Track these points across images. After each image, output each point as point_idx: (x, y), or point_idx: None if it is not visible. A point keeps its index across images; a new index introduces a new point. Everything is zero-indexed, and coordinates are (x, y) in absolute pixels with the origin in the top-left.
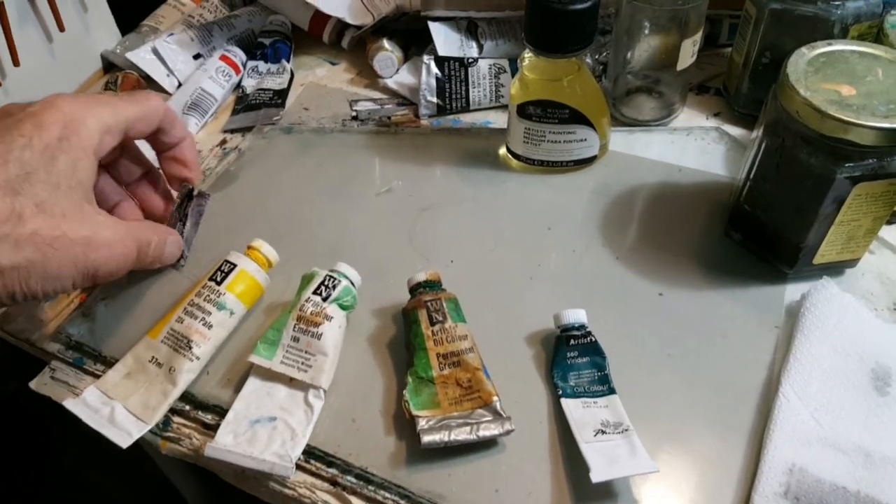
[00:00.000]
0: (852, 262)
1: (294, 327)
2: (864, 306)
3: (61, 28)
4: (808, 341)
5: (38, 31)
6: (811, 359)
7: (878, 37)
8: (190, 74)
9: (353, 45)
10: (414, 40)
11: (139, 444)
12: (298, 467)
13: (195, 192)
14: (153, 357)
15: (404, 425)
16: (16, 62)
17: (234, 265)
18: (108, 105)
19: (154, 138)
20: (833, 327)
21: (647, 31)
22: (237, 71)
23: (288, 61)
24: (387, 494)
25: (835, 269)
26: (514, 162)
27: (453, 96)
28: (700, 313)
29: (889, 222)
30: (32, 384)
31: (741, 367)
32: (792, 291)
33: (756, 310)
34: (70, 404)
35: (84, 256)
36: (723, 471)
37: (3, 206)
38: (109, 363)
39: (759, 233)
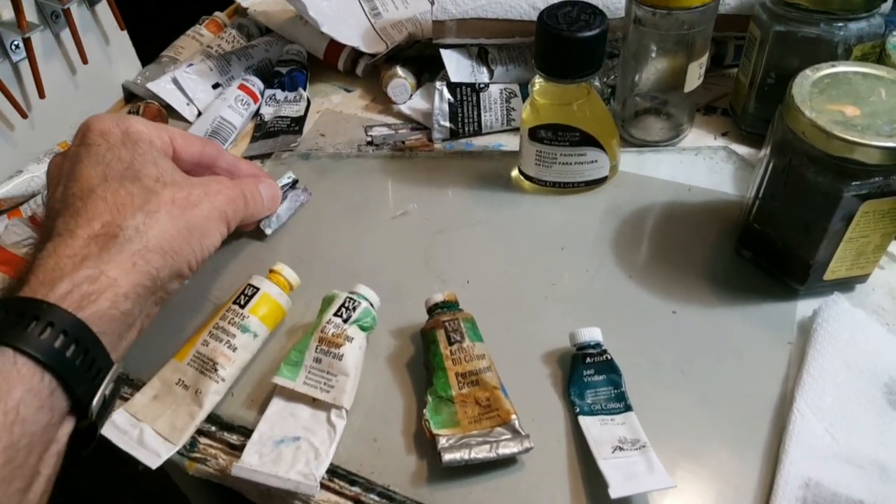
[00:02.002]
0: (862, 278)
1: (316, 349)
2: (875, 321)
3: (85, 60)
4: (820, 357)
5: (63, 63)
6: (824, 374)
7: (880, 57)
8: (209, 103)
9: (368, 73)
10: (426, 67)
11: (161, 468)
12: (323, 486)
13: (298, 184)
14: (180, 379)
15: (425, 444)
16: (41, 94)
17: (257, 289)
18: (143, 119)
19: (207, 168)
20: (846, 343)
21: (654, 55)
22: (255, 99)
23: (304, 89)
24: None
25: (845, 284)
26: (527, 183)
27: (465, 120)
28: (713, 330)
29: None
30: None
31: (755, 383)
32: (803, 308)
33: (768, 326)
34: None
35: (212, 205)
36: (739, 486)
37: (136, 189)
38: (137, 386)
39: (770, 250)
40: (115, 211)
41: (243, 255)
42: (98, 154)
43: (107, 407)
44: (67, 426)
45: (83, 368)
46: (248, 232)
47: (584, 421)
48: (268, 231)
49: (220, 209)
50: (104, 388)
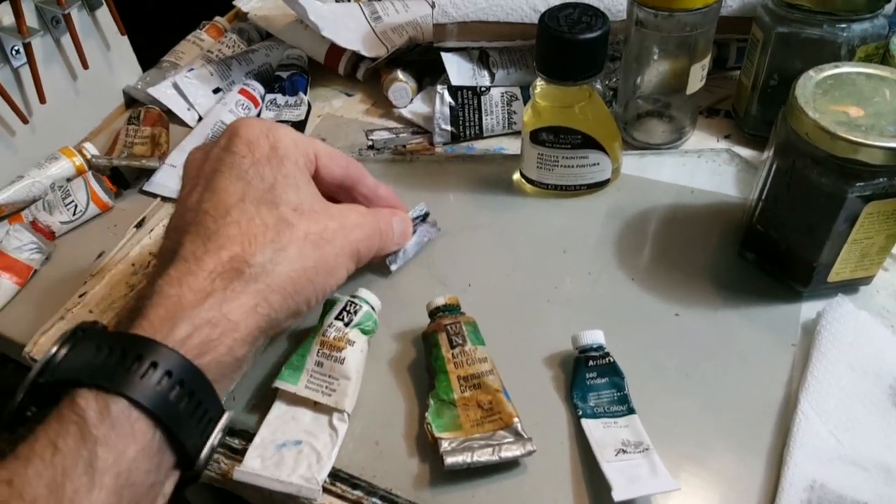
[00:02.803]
0: (867, 280)
1: (318, 352)
2: (880, 323)
3: (85, 66)
4: (825, 359)
5: (63, 69)
6: (829, 376)
7: (884, 58)
8: (210, 108)
9: (368, 77)
10: (427, 71)
11: None
12: (324, 490)
13: (429, 217)
14: None
15: (427, 447)
16: (42, 100)
17: None
18: (292, 130)
19: (346, 189)
20: (850, 345)
21: (655, 57)
22: (256, 104)
23: (305, 93)
24: None
25: (849, 286)
26: (528, 187)
27: (467, 124)
28: (716, 333)
29: None
30: None
31: (759, 385)
32: (807, 310)
33: (772, 329)
34: None
35: (346, 241)
36: (743, 488)
37: (271, 219)
38: None
39: (773, 252)
40: (246, 242)
41: None
42: (241, 168)
43: (212, 455)
44: (172, 480)
45: (195, 421)
46: (370, 266)
47: (586, 424)
48: (393, 267)
49: (353, 245)
50: (213, 440)
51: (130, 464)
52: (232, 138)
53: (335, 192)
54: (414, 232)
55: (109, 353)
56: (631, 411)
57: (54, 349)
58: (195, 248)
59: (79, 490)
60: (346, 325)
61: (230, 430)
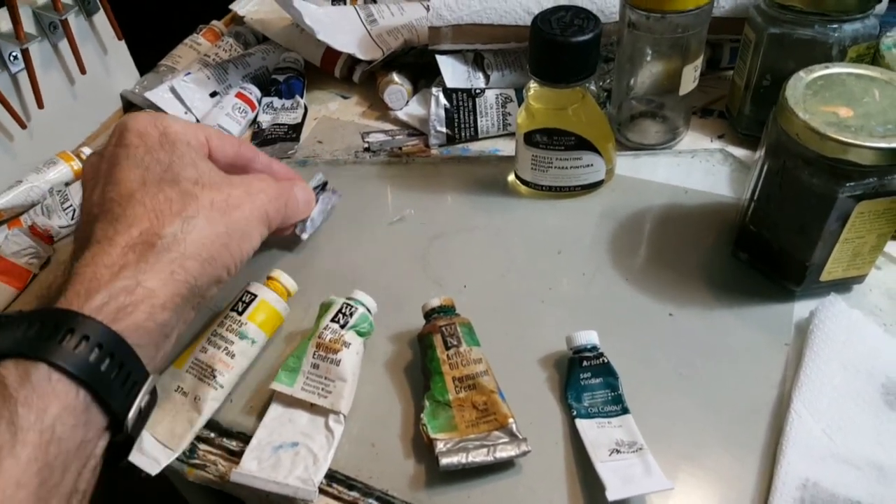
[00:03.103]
0: (859, 279)
1: (314, 354)
2: (872, 322)
3: (83, 70)
4: (817, 358)
5: (61, 73)
6: (821, 375)
7: (874, 58)
8: (207, 112)
9: (364, 80)
10: (422, 73)
11: (161, 474)
12: (321, 491)
13: (328, 185)
14: (179, 386)
15: (422, 448)
16: (40, 104)
17: (255, 295)
18: (178, 118)
19: (241, 169)
20: (842, 344)
21: (648, 58)
22: (252, 107)
23: (301, 96)
24: None
25: (842, 285)
26: (523, 188)
27: (462, 126)
28: (710, 333)
29: (894, 238)
30: None
31: (752, 384)
32: (800, 309)
33: (765, 328)
34: None
35: (253, 205)
36: (736, 487)
37: (175, 193)
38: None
39: (766, 252)
40: (154, 217)
41: None
42: (136, 156)
43: (143, 419)
44: (103, 441)
45: (118, 382)
46: (281, 239)
47: (581, 424)
48: (304, 236)
49: (261, 209)
50: (140, 401)
51: (53, 421)
52: (122, 133)
53: (230, 170)
54: (319, 200)
55: (28, 327)
56: (625, 411)
57: None
58: (105, 230)
59: (2, 446)
60: (342, 327)
61: (227, 432)
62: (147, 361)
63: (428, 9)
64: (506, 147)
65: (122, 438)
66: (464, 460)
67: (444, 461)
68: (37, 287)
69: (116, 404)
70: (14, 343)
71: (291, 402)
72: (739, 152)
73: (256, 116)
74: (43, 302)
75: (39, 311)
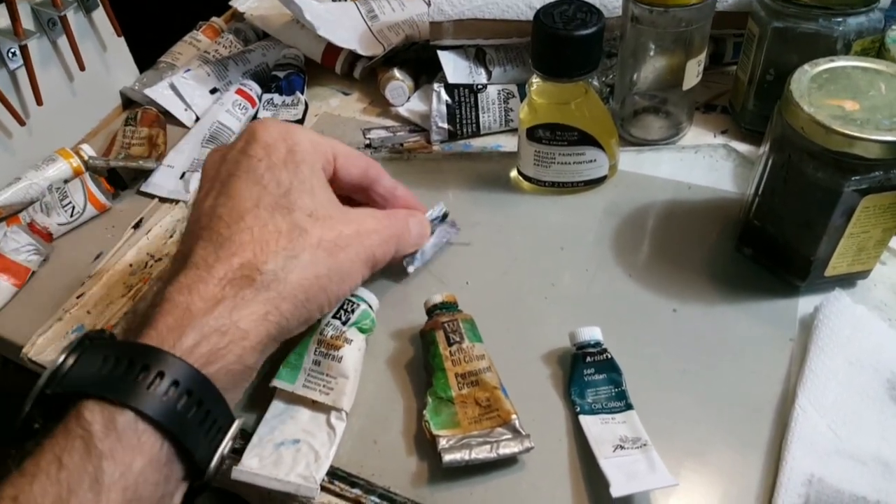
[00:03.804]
0: (864, 274)
1: (315, 351)
2: (877, 317)
3: (82, 67)
4: (822, 353)
5: (60, 70)
6: (826, 371)
7: (879, 52)
8: (207, 108)
9: (365, 76)
10: (424, 69)
11: None
12: (323, 488)
13: (448, 217)
14: None
15: (425, 445)
16: (39, 102)
17: None
18: (310, 131)
19: (364, 190)
20: (847, 339)
21: (652, 53)
22: (253, 104)
23: (302, 93)
24: None
25: (847, 280)
26: (526, 184)
27: (464, 122)
28: (714, 328)
29: None
30: None
31: (757, 380)
32: (805, 304)
33: (770, 323)
34: None
35: (361, 246)
36: (741, 483)
37: (285, 225)
38: None
39: (770, 247)
40: (259, 249)
41: None
42: (257, 172)
43: (223, 466)
44: (180, 493)
45: (203, 431)
46: (387, 269)
47: (584, 420)
48: (410, 269)
49: (368, 251)
50: (223, 449)
51: (137, 477)
52: (249, 141)
53: (352, 192)
54: (432, 233)
55: (116, 364)
56: (629, 407)
57: (61, 358)
58: (206, 254)
59: None
60: (344, 323)
61: None
62: (231, 405)
63: (429, 4)
64: (508, 143)
65: (200, 486)
66: (467, 457)
67: (447, 458)
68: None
69: (200, 454)
70: (98, 380)
71: (293, 399)
72: (743, 147)
73: (257, 113)
74: (127, 324)
75: (127, 344)
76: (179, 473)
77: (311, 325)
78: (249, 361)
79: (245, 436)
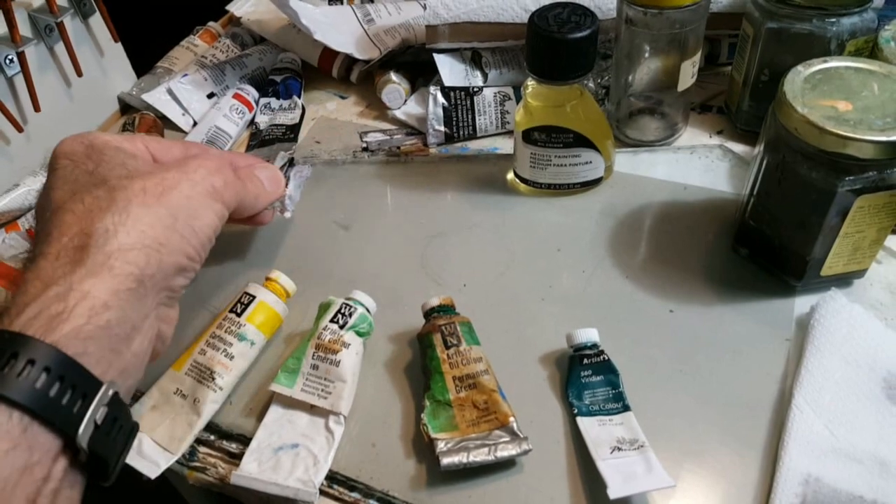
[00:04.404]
0: (860, 273)
1: (313, 355)
2: (873, 316)
3: (79, 73)
4: (819, 353)
5: (58, 77)
6: (823, 370)
7: (872, 52)
8: (205, 113)
9: (362, 79)
10: (420, 72)
11: (162, 477)
12: (322, 492)
13: (295, 159)
14: (178, 389)
15: (423, 448)
16: (37, 108)
17: (254, 297)
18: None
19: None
20: (843, 338)
21: (647, 55)
22: (250, 108)
23: (299, 97)
24: None
25: (843, 280)
26: (522, 186)
27: (460, 124)
28: (711, 329)
29: (894, 232)
30: None
31: (753, 380)
32: (801, 304)
33: (766, 323)
34: None
35: (192, 181)
36: (738, 483)
37: (104, 191)
38: (136, 396)
39: (766, 247)
40: (85, 220)
41: (239, 263)
42: (65, 174)
43: (110, 433)
44: (60, 463)
45: (59, 396)
46: (271, 225)
47: (582, 422)
48: (287, 214)
49: (203, 184)
50: (93, 415)
51: None
52: (52, 161)
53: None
54: (290, 178)
55: None
56: (626, 408)
57: None
58: (40, 248)
59: None
60: (342, 327)
61: (227, 434)
62: (103, 368)
63: (425, 7)
64: (504, 145)
65: (84, 457)
66: (465, 460)
67: (445, 461)
68: None
69: (61, 420)
70: None
71: (291, 403)
72: (738, 148)
73: (254, 117)
74: None
75: None
76: (48, 444)
77: (310, 330)
78: (105, 318)
79: (244, 441)
